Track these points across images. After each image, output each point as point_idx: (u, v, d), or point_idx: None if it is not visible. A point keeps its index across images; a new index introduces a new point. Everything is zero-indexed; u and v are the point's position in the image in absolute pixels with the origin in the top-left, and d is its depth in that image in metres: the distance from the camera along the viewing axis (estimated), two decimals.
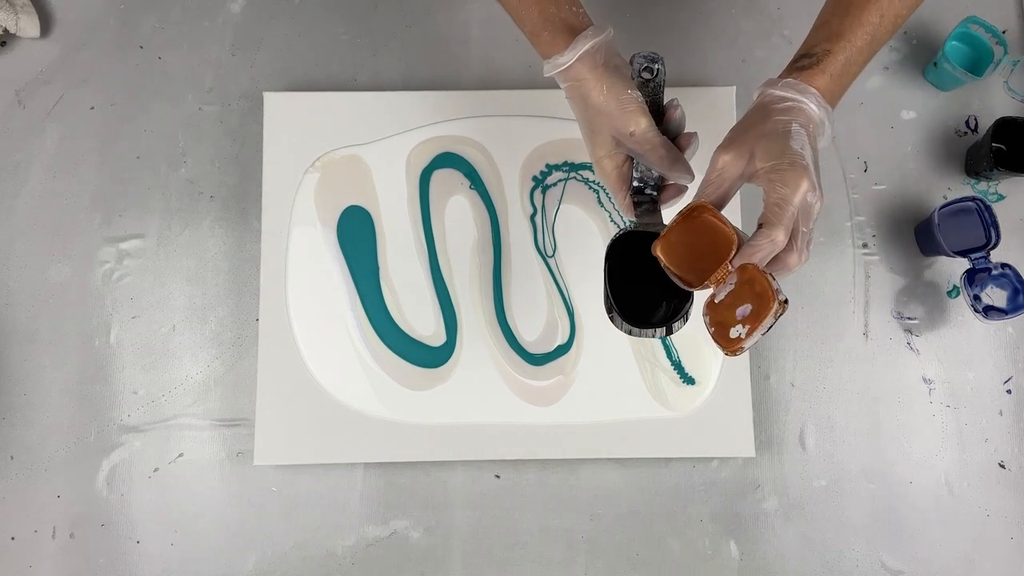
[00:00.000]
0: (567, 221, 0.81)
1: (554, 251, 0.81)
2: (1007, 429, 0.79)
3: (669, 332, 0.57)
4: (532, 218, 0.81)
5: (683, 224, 0.54)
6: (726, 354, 0.51)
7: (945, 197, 0.83)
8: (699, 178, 0.56)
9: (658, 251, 0.55)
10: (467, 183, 0.82)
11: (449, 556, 0.77)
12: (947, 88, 0.84)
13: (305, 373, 0.78)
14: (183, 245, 0.82)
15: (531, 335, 0.79)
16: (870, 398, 0.79)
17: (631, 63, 0.60)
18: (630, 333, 0.58)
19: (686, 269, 0.54)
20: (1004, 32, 0.83)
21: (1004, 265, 0.75)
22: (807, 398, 0.80)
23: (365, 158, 0.82)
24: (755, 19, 0.86)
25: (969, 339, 0.80)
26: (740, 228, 0.52)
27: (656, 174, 0.60)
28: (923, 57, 0.85)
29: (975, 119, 0.84)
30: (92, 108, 0.84)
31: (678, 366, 0.79)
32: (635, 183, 0.60)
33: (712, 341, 0.52)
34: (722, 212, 0.53)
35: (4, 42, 0.84)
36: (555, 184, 0.82)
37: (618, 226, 0.81)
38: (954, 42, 0.82)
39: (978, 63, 0.82)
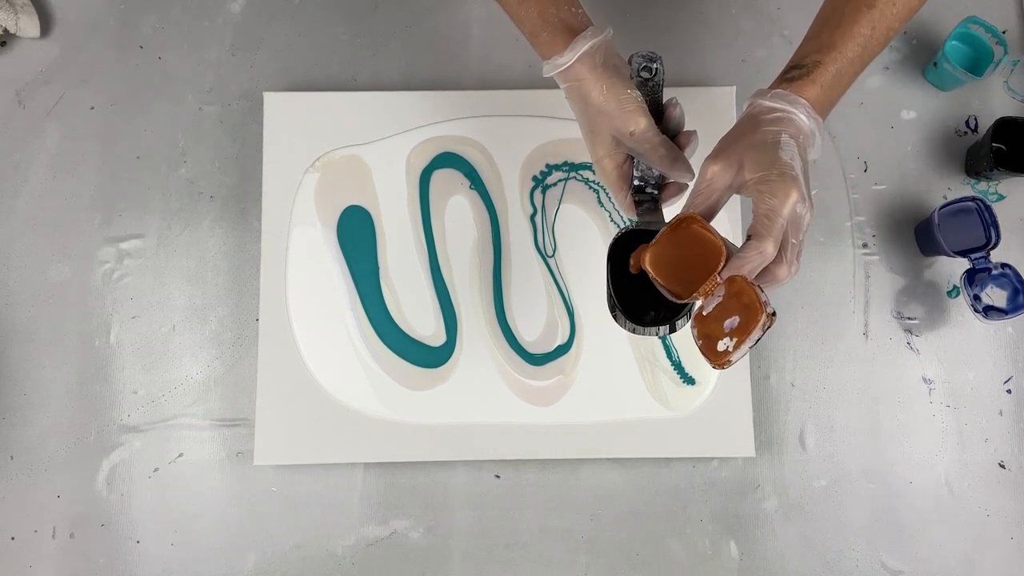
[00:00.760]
0: (567, 221, 0.81)
1: (554, 251, 0.81)
2: (1007, 429, 0.79)
3: (672, 330, 0.57)
4: (532, 218, 0.81)
5: (671, 235, 0.54)
6: (713, 367, 0.51)
7: (945, 197, 0.83)
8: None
9: (646, 263, 0.54)
10: (467, 183, 0.82)
11: (449, 556, 0.77)
12: (947, 88, 0.84)
13: (305, 373, 0.78)
14: (183, 245, 0.82)
15: (531, 335, 0.79)
16: (870, 398, 0.79)
17: (630, 63, 0.60)
18: (633, 331, 0.58)
19: (674, 281, 0.53)
20: (1004, 32, 0.83)
21: (1004, 265, 0.75)
22: (807, 398, 0.80)
23: (365, 158, 0.82)
24: (755, 19, 0.86)
25: (969, 339, 0.80)
26: (730, 239, 0.52)
27: (657, 173, 0.60)
28: (923, 57, 0.85)
29: (975, 119, 0.84)
30: (92, 108, 0.84)
31: (678, 366, 0.79)
32: (636, 182, 0.60)
33: (700, 354, 0.51)
34: (711, 223, 0.53)
35: (4, 42, 0.84)
36: (555, 184, 0.82)
37: (618, 226, 0.81)
38: (954, 42, 0.82)
39: (978, 63, 0.82)
